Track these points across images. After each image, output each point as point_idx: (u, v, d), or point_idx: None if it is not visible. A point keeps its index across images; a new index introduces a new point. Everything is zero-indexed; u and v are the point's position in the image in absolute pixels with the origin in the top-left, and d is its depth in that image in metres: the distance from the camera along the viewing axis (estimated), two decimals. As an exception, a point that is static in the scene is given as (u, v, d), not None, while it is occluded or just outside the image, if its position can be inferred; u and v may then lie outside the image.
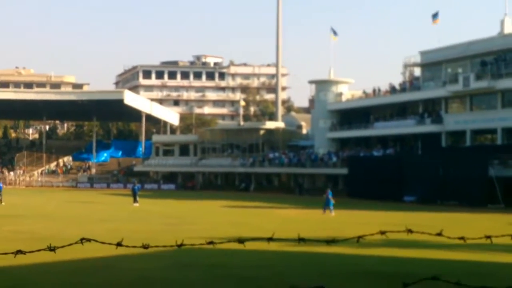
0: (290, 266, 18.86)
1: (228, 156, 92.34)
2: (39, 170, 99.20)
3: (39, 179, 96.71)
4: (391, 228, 3.96)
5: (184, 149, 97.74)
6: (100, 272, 17.08)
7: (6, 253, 3.40)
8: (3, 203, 50.13)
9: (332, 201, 42.75)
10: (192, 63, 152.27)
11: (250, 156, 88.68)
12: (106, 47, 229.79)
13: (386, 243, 16.24)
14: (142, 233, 24.98)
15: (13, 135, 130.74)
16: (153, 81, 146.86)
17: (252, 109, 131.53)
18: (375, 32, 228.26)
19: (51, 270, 16.90)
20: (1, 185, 53.99)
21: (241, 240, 3.48)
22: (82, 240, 3.37)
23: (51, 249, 3.34)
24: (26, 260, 16.96)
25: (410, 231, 3.60)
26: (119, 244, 3.43)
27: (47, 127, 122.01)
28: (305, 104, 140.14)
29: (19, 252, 3.31)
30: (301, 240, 3.53)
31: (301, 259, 19.88)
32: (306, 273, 17.45)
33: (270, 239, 3.57)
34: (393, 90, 75.98)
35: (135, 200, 51.70)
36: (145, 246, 3.49)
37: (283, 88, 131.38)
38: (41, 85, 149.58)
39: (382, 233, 3.66)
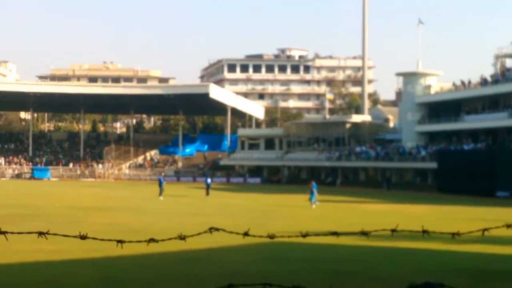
0: (383, 261, 18.41)
1: (314, 150, 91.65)
2: (127, 164, 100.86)
3: (127, 172, 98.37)
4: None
5: (269, 143, 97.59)
6: (196, 264, 17.07)
7: (140, 241, 3.42)
8: None
9: (315, 193, 42.80)
10: (276, 56, 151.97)
11: (336, 150, 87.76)
12: (191, 41, 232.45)
13: (481, 239, 15.49)
14: (233, 227, 24.55)
15: (102, 128, 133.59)
16: (238, 74, 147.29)
17: (338, 102, 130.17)
18: (465, 22, 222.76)
19: (149, 262, 16.97)
20: None
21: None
22: (211, 229, 3.39)
23: (181, 238, 3.42)
24: (126, 252, 17.15)
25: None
26: (246, 234, 3.49)
27: (134, 121, 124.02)
28: (392, 97, 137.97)
29: (151, 240, 3.33)
30: (425, 232, 3.30)
31: (393, 254, 19.35)
32: (400, 269, 16.87)
33: (393, 231, 3.39)
34: (484, 82, 73.57)
35: (207, 193, 53.62)
36: (271, 236, 3.48)
37: (370, 81, 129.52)
38: (128, 79, 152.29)
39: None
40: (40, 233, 3.23)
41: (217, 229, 3.40)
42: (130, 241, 3.49)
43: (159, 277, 15.10)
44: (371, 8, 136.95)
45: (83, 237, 3.29)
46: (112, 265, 16.61)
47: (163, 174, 60.45)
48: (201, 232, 3.52)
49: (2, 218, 28.62)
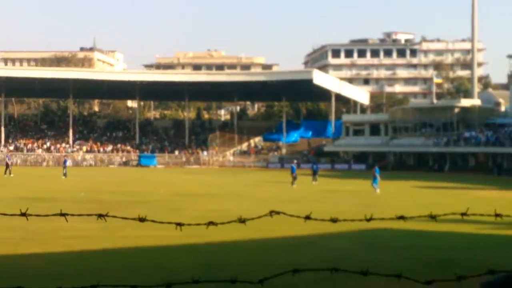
0: (486, 249, 17.69)
1: (421, 135, 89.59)
2: (231, 151, 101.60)
3: (231, 159, 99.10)
4: None
5: (374, 129, 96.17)
6: (298, 251, 16.85)
7: (198, 224, 3.45)
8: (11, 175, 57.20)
9: (378, 178, 42.67)
10: (382, 40, 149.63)
11: (444, 135, 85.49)
12: (295, 27, 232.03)
13: None
14: (331, 213, 24.09)
15: (206, 116, 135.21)
16: (342, 60, 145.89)
17: (445, 86, 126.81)
18: None
19: (249, 248, 17.06)
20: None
21: (432, 216, 3.34)
22: (271, 212, 3.37)
23: (241, 221, 3.42)
24: (218, 238, 17.16)
25: None
26: (307, 217, 3.39)
27: (238, 108, 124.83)
28: (504, 80, 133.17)
29: (210, 223, 3.35)
30: (497, 216, 3.22)
31: (497, 242, 18.46)
32: (504, 256, 15.89)
33: (463, 214, 3.43)
34: None
35: (314, 179, 53.14)
36: (333, 220, 3.42)
37: (479, 64, 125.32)
38: (232, 66, 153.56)
39: None
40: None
41: (277, 213, 3.34)
42: (189, 224, 3.43)
43: (260, 265, 14.74)
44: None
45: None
46: (214, 250, 16.73)
47: (295, 161, 59.99)
48: (261, 216, 3.48)
49: (107, 205, 29.08)
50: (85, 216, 3.53)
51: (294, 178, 49.38)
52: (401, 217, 3.42)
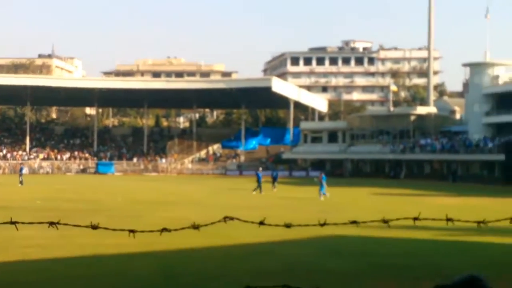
0: (443, 255, 17.99)
1: (378, 142, 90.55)
2: (190, 158, 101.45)
3: (190, 166, 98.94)
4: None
5: (332, 136, 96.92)
6: (260, 258, 16.99)
7: (152, 231, 3.52)
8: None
9: (324, 185, 43.13)
10: (340, 48, 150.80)
11: (401, 143, 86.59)
12: (254, 35, 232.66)
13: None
14: (288, 220, 24.33)
15: (165, 123, 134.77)
16: (301, 67, 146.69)
17: (402, 94, 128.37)
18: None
19: (209, 255, 17.10)
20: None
21: (385, 221, 3.47)
22: (225, 218, 3.40)
23: (195, 227, 3.43)
24: (175, 245, 17.27)
25: None
26: (261, 223, 3.43)
27: (197, 116, 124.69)
28: (459, 88, 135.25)
29: (164, 230, 3.39)
30: (449, 220, 3.41)
31: (453, 248, 18.88)
32: (460, 263, 16.29)
33: (416, 219, 3.56)
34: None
35: (273, 186, 53.35)
36: (287, 225, 3.47)
37: (435, 72, 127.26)
38: (191, 74, 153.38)
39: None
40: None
41: (231, 218, 3.35)
42: (142, 231, 3.46)
43: (224, 271, 14.91)
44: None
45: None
46: (172, 258, 16.82)
47: (260, 169, 59.53)
48: (215, 222, 3.48)
49: (64, 212, 28.88)
50: (38, 224, 3.50)
51: (259, 186, 49.16)
52: (354, 222, 3.48)
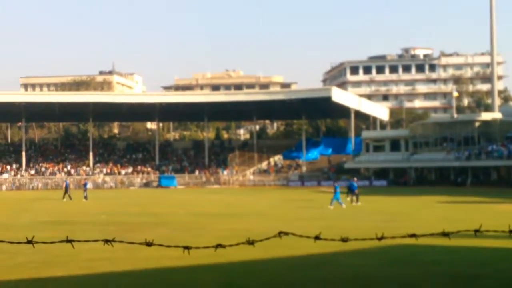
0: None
1: (442, 150, 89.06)
2: (251, 170, 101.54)
3: (251, 178, 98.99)
4: None
5: (395, 144, 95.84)
6: (326, 268, 16.66)
7: (206, 247, 3.43)
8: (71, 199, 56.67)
9: (339, 194, 42.95)
10: (400, 56, 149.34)
11: (465, 149, 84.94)
12: (313, 45, 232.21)
13: None
14: (350, 230, 23.93)
15: (225, 136, 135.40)
16: (361, 76, 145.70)
17: (465, 100, 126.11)
18: None
19: (259, 268, 16.76)
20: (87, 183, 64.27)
21: (445, 233, 3.34)
22: (280, 233, 3.35)
23: (250, 242, 3.36)
24: (237, 257, 17.02)
25: None
26: (317, 237, 3.36)
27: (257, 127, 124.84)
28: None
29: (219, 246, 3.32)
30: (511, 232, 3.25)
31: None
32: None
33: (477, 231, 3.36)
34: None
35: (352, 200, 48.36)
36: (344, 240, 3.37)
37: (499, 77, 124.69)
38: (250, 86, 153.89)
39: None
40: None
41: (286, 233, 3.31)
42: (197, 247, 3.18)
43: (281, 283, 14.61)
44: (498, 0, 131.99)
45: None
46: (235, 270, 16.53)
47: (355, 179, 56.07)
48: (270, 237, 3.42)
49: (129, 226, 29.03)
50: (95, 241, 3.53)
51: (356, 195, 47.38)
52: (413, 235, 3.45)
